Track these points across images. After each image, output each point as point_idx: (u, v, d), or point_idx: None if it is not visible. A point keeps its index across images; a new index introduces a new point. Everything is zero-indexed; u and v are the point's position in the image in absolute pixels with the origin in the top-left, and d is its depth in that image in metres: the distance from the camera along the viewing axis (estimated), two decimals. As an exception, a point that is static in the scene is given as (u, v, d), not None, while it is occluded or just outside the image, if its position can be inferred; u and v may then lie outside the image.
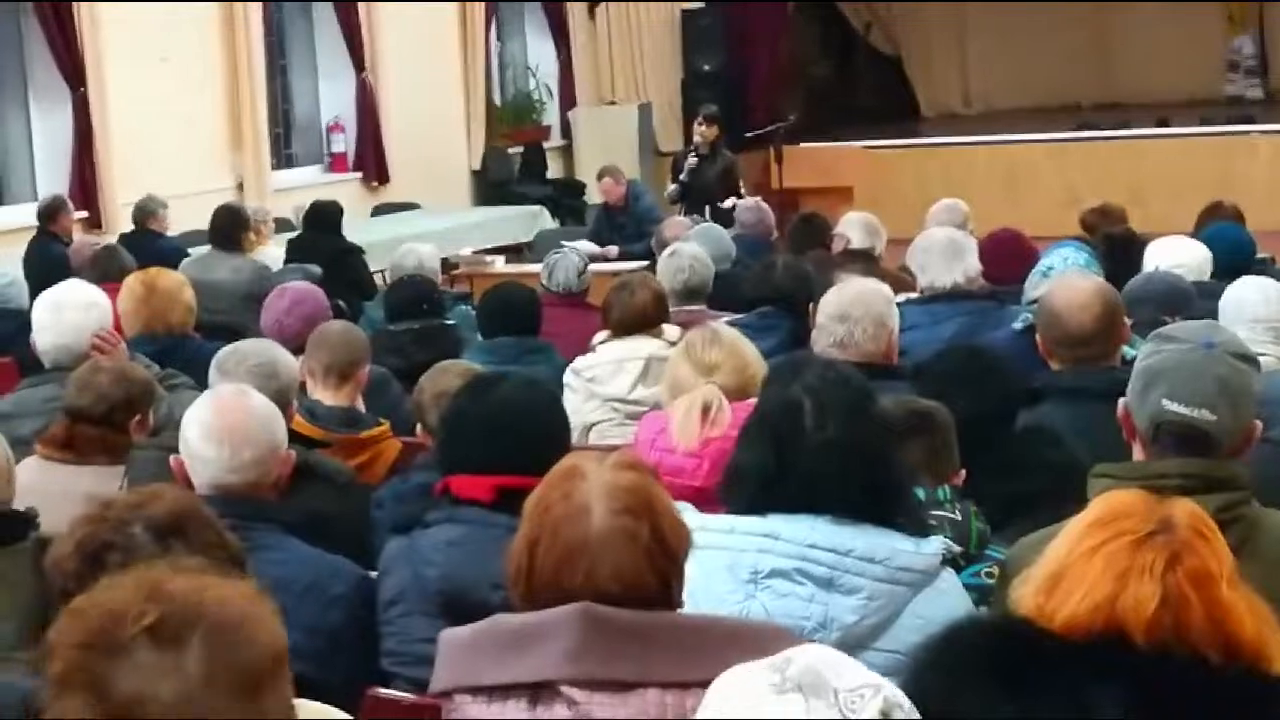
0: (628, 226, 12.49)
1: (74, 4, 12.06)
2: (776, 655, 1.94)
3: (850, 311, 4.90)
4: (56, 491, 4.06)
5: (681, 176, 12.95)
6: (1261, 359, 4.35)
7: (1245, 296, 5.37)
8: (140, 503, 2.76)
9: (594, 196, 14.22)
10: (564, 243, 9.42)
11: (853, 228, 8.48)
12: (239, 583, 1.89)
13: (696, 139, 13.16)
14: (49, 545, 2.84)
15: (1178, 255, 6.62)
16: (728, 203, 12.23)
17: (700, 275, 7.12)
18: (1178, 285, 5.95)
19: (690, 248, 7.33)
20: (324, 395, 5.12)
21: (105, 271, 7.67)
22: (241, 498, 3.55)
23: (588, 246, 11.17)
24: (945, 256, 6.39)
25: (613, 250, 12.06)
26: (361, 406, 5.22)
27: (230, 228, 9.41)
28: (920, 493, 3.60)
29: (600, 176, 13.05)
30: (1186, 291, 5.87)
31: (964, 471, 3.79)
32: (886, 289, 5.18)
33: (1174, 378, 3.10)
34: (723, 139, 13.20)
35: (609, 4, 18.17)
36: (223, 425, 3.62)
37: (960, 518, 3.64)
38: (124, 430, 4.55)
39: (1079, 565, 2.30)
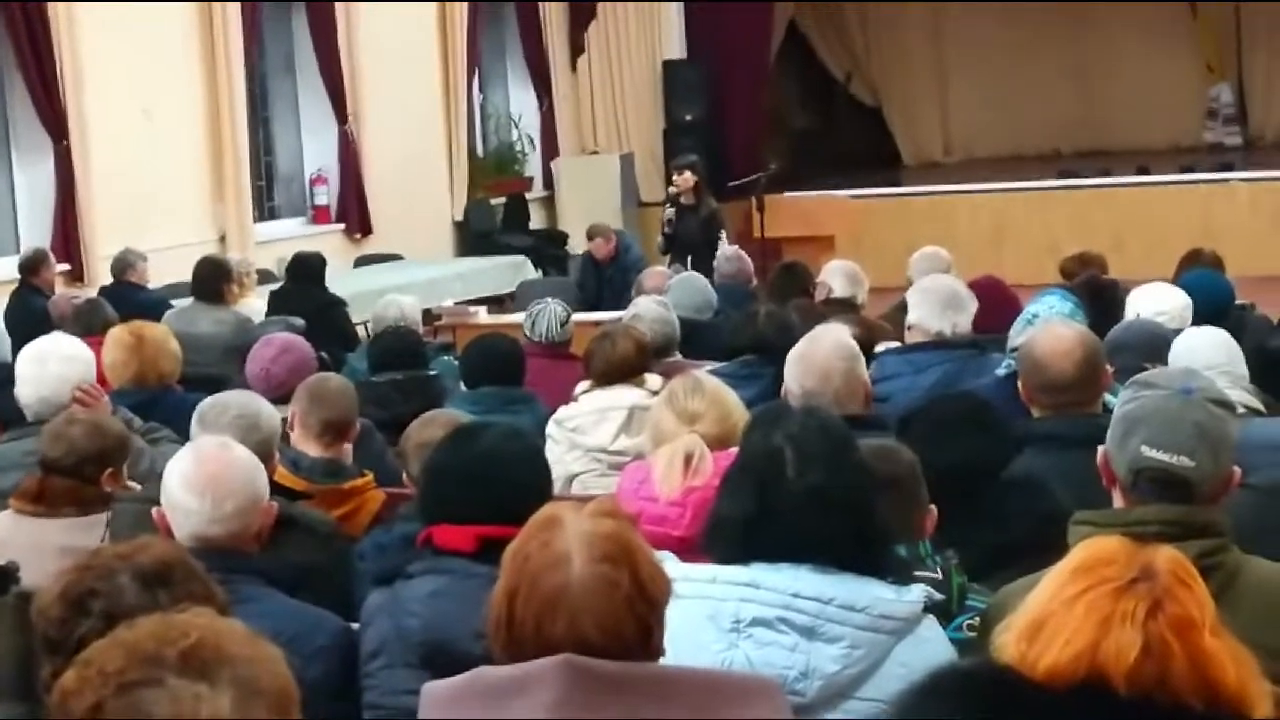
0: (615, 279, 12.50)
1: (57, 56, 12.07)
2: None
3: (820, 388, 4.78)
4: (27, 544, 4.05)
5: (665, 229, 12.97)
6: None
7: (1195, 346, 5.42)
8: (128, 553, 2.76)
9: (576, 247, 14.23)
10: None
11: (835, 276, 8.47)
12: (240, 623, 1.93)
13: (673, 189, 13.17)
14: (30, 600, 2.83)
15: (1159, 302, 6.64)
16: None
17: (664, 334, 7.17)
18: (1158, 332, 5.97)
19: (652, 310, 7.35)
20: (312, 448, 5.11)
21: (88, 325, 7.67)
22: (223, 550, 3.53)
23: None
24: (941, 304, 6.30)
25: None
26: (349, 459, 5.21)
27: (213, 280, 9.41)
28: (901, 550, 3.57)
29: (590, 237, 13.12)
30: (1167, 338, 5.88)
31: (934, 509, 3.74)
32: (851, 342, 5.06)
33: (1153, 424, 3.10)
34: (705, 187, 13.18)
35: (590, 55, 18.23)
36: (204, 477, 3.61)
37: (941, 576, 3.55)
38: (95, 483, 4.54)
39: (1060, 613, 2.30)
